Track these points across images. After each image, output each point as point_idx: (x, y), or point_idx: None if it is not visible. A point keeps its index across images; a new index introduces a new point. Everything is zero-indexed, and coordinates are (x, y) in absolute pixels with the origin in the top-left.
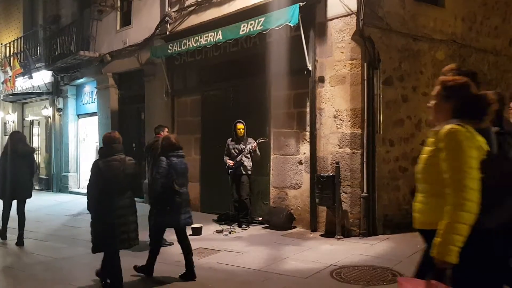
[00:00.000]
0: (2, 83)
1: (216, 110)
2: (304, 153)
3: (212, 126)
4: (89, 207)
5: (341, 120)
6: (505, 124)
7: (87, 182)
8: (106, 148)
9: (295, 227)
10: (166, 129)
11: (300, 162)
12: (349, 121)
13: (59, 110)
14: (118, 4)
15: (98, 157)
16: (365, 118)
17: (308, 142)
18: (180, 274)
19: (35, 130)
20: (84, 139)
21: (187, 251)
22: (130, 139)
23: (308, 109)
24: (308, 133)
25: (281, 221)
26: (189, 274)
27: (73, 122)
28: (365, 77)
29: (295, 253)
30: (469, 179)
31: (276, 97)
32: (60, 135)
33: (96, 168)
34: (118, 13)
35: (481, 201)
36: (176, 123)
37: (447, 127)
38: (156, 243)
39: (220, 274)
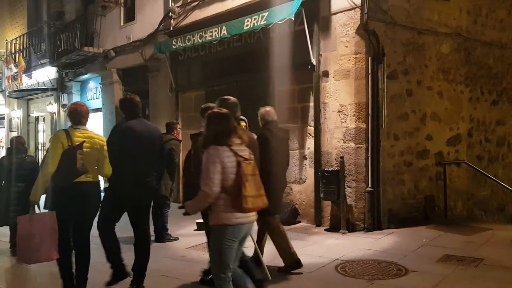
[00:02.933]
0: (6, 80)
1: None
2: (309, 148)
3: None
4: None
5: (345, 114)
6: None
7: None
8: (11, 149)
9: (299, 222)
10: (178, 125)
11: (305, 157)
12: (353, 116)
13: (64, 106)
14: (122, 0)
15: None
16: (370, 112)
17: (312, 137)
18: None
19: (40, 126)
20: None
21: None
22: None
23: (312, 104)
24: (312, 128)
25: (286, 216)
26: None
27: None
28: (370, 71)
29: (300, 248)
30: (50, 159)
31: (280, 92)
32: None
33: (0, 163)
34: (122, 8)
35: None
36: (181, 119)
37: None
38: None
39: None
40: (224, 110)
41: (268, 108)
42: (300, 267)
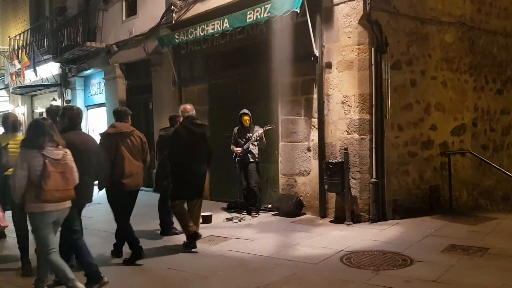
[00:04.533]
0: (9, 76)
1: (223, 99)
2: (313, 139)
3: (220, 114)
4: None
5: (349, 106)
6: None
7: None
8: None
9: (304, 213)
10: (181, 119)
11: (309, 149)
12: (357, 107)
13: (68, 101)
14: None
15: None
16: (373, 103)
17: (316, 128)
18: None
19: None
20: (93, 130)
21: None
22: (138, 129)
23: (315, 96)
24: (316, 120)
25: (291, 208)
26: None
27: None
28: (373, 62)
29: (305, 240)
30: None
31: (283, 84)
32: None
33: None
34: (124, 3)
35: None
36: None
37: None
38: None
39: (230, 261)
40: (39, 120)
41: (187, 106)
42: (198, 238)
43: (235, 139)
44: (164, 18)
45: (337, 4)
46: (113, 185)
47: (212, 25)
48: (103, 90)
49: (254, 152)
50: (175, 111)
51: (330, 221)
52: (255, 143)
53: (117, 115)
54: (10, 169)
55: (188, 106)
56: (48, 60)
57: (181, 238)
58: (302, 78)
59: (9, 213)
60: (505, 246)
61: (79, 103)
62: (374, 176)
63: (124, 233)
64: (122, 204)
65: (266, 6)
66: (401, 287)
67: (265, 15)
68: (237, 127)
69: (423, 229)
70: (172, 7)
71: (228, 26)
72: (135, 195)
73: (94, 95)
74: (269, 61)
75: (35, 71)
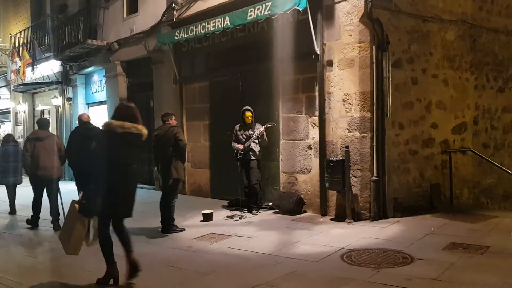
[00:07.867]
0: (12, 73)
1: (224, 96)
2: (314, 137)
3: (221, 112)
4: None
5: (350, 104)
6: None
7: None
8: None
9: (305, 211)
10: (173, 116)
11: (310, 147)
12: (358, 105)
13: (69, 99)
14: None
15: None
16: (374, 101)
17: (317, 126)
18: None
19: None
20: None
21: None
22: None
23: (316, 94)
24: (317, 118)
25: (291, 206)
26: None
27: (83, 111)
28: (374, 60)
29: (306, 237)
30: None
31: (284, 82)
32: (70, 124)
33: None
34: (125, 0)
35: None
36: (185, 110)
37: None
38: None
39: (231, 259)
40: None
41: (84, 115)
42: None
43: (236, 137)
44: (165, 16)
45: (338, 2)
46: (31, 175)
47: (213, 22)
48: (104, 88)
49: (255, 149)
50: (176, 109)
51: (331, 219)
52: (256, 140)
53: (39, 124)
54: None
55: (85, 115)
56: (49, 57)
57: (181, 236)
58: (303, 76)
59: None
60: (506, 244)
61: (80, 101)
62: (375, 174)
63: (34, 206)
64: (37, 188)
65: (266, 4)
66: (401, 285)
67: (266, 12)
68: (238, 125)
69: (424, 227)
70: (173, 4)
71: (229, 24)
72: (50, 183)
73: (95, 92)
74: (270, 59)
75: (33, 68)
